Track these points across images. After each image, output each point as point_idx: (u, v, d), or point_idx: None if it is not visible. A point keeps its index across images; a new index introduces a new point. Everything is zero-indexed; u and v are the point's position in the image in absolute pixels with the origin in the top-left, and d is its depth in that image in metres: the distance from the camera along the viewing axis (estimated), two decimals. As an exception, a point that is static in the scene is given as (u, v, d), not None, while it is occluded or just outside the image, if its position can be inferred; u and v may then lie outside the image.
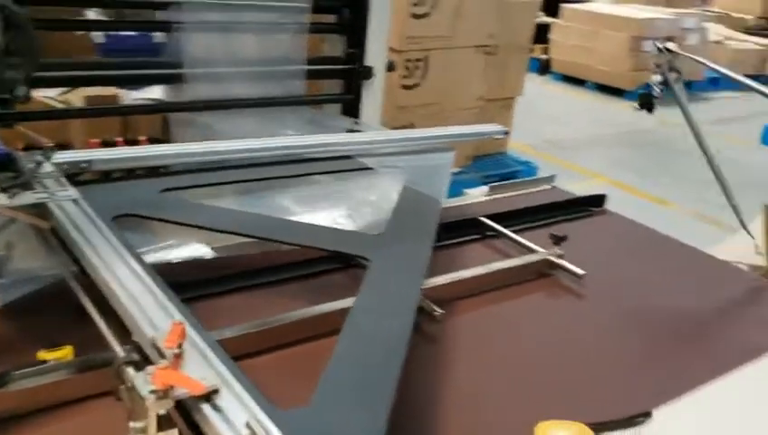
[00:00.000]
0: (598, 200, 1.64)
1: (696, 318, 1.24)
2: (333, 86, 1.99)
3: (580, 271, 1.26)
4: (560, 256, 1.30)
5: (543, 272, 1.31)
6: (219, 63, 1.76)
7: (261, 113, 1.83)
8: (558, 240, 1.30)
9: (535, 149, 5.61)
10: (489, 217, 1.45)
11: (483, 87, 4.15)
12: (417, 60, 3.73)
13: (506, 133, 1.63)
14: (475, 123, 4.20)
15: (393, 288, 1.00)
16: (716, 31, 8.49)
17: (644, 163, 5.72)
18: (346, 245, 1.12)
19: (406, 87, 3.75)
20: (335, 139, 1.43)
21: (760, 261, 2.61)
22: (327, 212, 1.27)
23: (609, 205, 1.65)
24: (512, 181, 1.69)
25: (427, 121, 3.88)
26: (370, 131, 1.51)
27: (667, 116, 7.34)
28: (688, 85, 7.99)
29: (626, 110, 7.30)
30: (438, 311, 1.07)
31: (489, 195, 1.64)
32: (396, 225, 1.17)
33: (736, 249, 3.00)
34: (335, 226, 1.23)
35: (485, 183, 4.15)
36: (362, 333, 0.89)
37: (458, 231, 1.41)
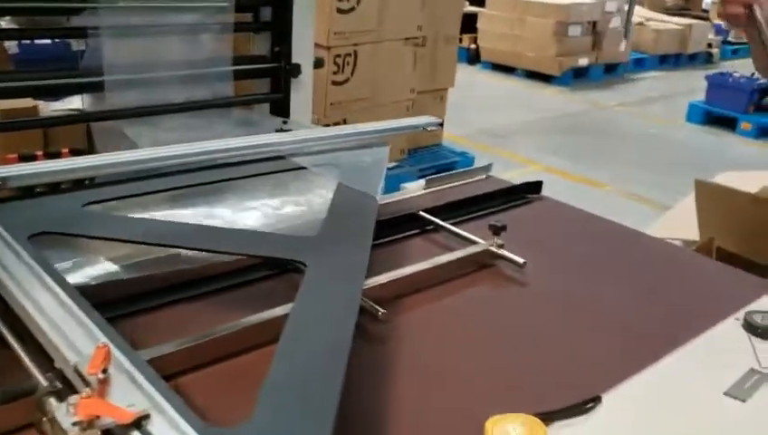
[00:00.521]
0: (535, 187, 1.64)
1: (639, 299, 1.24)
2: (262, 86, 1.95)
3: (520, 260, 1.25)
4: (500, 247, 1.29)
5: (485, 263, 1.30)
6: (141, 68, 1.70)
7: (188, 118, 1.77)
8: (497, 230, 1.29)
9: (470, 139, 5.65)
10: (427, 211, 1.43)
11: (414, 79, 4.14)
12: (347, 55, 3.70)
13: (441, 125, 1.61)
14: (409, 116, 4.21)
15: (332, 291, 0.96)
16: (638, 13, 8.70)
17: (576, 147, 5.82)
18: (280, 249, 1.08)
19: (336, 83, 3.71)
20: (265, 139, 1.39)
21: (692, 235, 2.67)
22: (260, 215, 1.23)
23: (546, 190, 1.66)
24: (448, 173, 1.67)
25: (360, 117, 3.85)
26: (301, 130, 1.47)
27: (598, 99, 7.47)
28: (614, 67, 8.22)
29: (555, 95, 7.44)
30: (381, 311, 1.04)
31: (426, 188, 1.62)
32: (332, 225, 1.13)
33: (671, 226, 3.08)
34: (269, 229, 1.19)
35: (422, 176, 4.16)
36: (302, 341, 0.85)
37: (397, 227, 1.38)
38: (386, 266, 1.19)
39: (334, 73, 3.68)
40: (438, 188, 1.63)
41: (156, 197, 1.25)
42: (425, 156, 4.44)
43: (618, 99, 7.35)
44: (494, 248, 1.29)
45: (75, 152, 1.99)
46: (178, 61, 1.77)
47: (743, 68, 6.68)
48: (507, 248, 1.29)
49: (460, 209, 1.49)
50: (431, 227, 1.41)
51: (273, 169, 1.34)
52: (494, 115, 6.52)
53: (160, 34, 1.74)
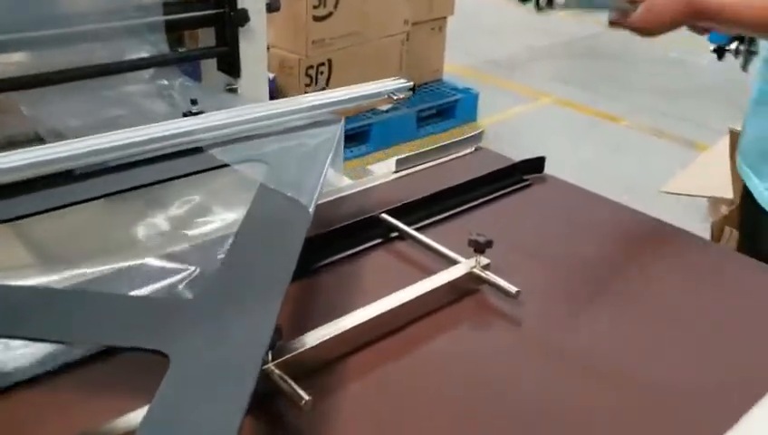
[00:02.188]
0: (536, 165, 1.28)
1: (682, 342, 0.90)
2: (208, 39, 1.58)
3: (512, 288, 0.91)
4: (485, 267, 0.95)
5: (467, 289, 0.96)
6: (35, 23, 1.33)
7: (98, 87, 1.41)
8: (480, 247, 0.94)
9: (475, 69, 5.21)
10: (393, 211, 1.08)
11: (407, 9, 3.71)
12: (326, -15, 3.27)
13: (412, 90, 1.24)
14: (403, 52, 3.79)
15: (204, 392, 0.63)
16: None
17: (590, 75, 5.37)
18: (127, 333, 0.72)
19: (318, 18, 3.30)
20: (176, 127, 1.02)
21: (724, 192, 2.30)
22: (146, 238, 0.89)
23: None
24: (425, 150, 1.31)
25: (347, 56, 3.45)
26: (225, 111, 1.10)
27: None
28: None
29: (565, 18, 6.90)
30: (304, 398, 0.71)
31: (397, 171, 1.26)
32: (230, 269, 0.79)
33: (698, 178, 2.70)
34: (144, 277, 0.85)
35: (421, 119, 3.78)
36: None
37: (349, 239, 1.04)
38: (323, 310, 0.86)
39: (315, 7, 3.26)
40: (411, 169, 1.28)
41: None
42: (423, 95, 4.04)
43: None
44: (477, 271, 0.95)
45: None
46: (88, 9, 1.40)
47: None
48: (497, 263, 0.95)
49: (435, 205, 1.14)
50: (396, 235, 1.07)
51: (183, 169, 0.99)
52: (500, 42, 6.04)
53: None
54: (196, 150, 1.03)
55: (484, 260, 0.95)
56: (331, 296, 0.94)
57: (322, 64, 3.43)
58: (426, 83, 4.12)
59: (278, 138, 1.08)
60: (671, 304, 0.96)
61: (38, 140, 1.29)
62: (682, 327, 0.91)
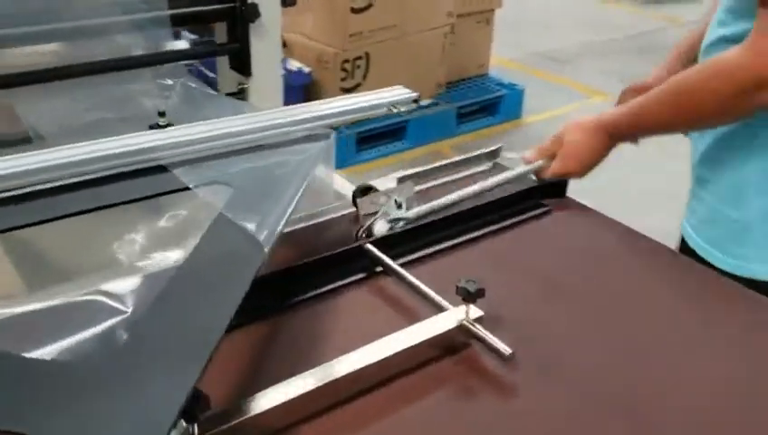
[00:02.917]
0: (556, 189, 1.13)
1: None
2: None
3: (505, 349, 0.76)
4: (476, 321, 0.80)
5: (456, 343, 0.82)
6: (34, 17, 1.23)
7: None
8: (470, 298, 0.79)
9: (524, 63, 5.00)
10: (381, 241, 0.95)
11: (451, 0, 3.54)
12: (366, -25, 3.14)
13: (416, 101, 1.10)
14: (446, 45, 3.62)
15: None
16: None
17: (647, 73, 5.10)
18: None
19: (356, 10, 3.16)
20: (136, 143, 0.90)
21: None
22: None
23: None
24: (436, 165, 1.16)
25: (386, 50, 3.31)
26: (204, 123, 0.97)
27: (676, 14, 6.58)
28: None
29: (625, 11, 6.62)
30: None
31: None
32: (162, 306, 0.66)
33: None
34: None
35: (460, 116, 3.62)
36: None
37: (327, 273, 0.91)
38: (284, 359, 0.74)
39: (353, -1, 3.13)
40: (416, 188, 1.14)
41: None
42: (466, 90, 3.88)
43: (700, 13, 6.47)
44: (467, 324, 0.80)
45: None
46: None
47: None
48: (496, 309, 0.81)
49: (430, 234, 1.00)
50: (380, 269, 0.93)
51: (138, 191, 0.87)
52: (552, 35, 5.80)
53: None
54: (160, 169, 0.91)
55: (475, 311, 0.81)
56: (297, 342, 0.81)
57: (359, 58, 3.29)
58: (469, 78, 3.95)
59: (253, 156, 0.96)
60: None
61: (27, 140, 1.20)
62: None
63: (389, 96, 1.09)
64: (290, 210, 0.83)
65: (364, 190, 1.04)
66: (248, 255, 0.75)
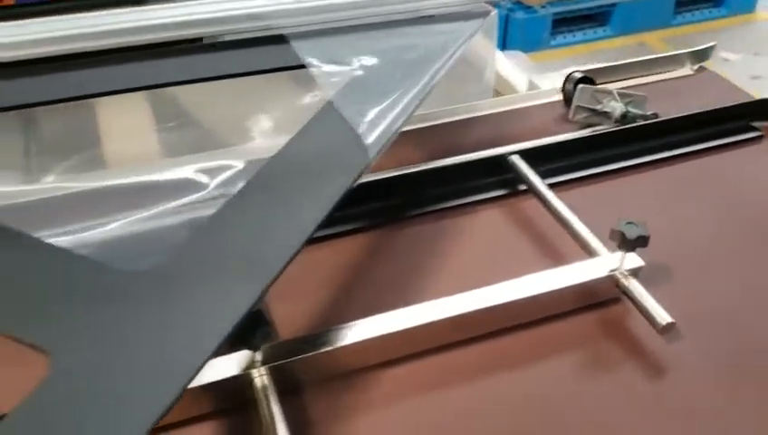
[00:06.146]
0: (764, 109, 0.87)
1: None
2: None
3: (663, 316, 0.58)
4: (631, 274, 0.62)
5: (603, 298, 0.64)
6: None
7: None
8: (628, 245, 0.60)
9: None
10: (529, 152, 0.77)
11: None
12: None
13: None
14: None
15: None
16: None
17: None
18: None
19: None
20: (247, 6, 0.77)
21: None
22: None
23: None
24: (621, 63, 0.93)
25: None
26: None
27: None
28: None
29: None
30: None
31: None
32: (231, 210, 0.55)
33: None
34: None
35: (679, 2, 3.12)
36: None
37: (456, 183, 0.75)
38: (376, 288, 0.61)
39: None
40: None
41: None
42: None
43: None
44: (619, 275, 0.62)
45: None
46: None
47: None
48: (664, 261, 0.62)
49: (594, 151, 0.80)
50: (523, 187, 0.76)
51: (242, 65, 0.75)
52: None
53: None
54: (278, 39, 0.78)
55: (632, 261, 0.62)
56: (399, 268, 0.67)
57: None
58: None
59: (391, 32, 0.79)
60: None
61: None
62: None
63: None
64: (414, 106, 0.67)
65: (580, 81, 0.87)
66: (349, 159, 0.61)
